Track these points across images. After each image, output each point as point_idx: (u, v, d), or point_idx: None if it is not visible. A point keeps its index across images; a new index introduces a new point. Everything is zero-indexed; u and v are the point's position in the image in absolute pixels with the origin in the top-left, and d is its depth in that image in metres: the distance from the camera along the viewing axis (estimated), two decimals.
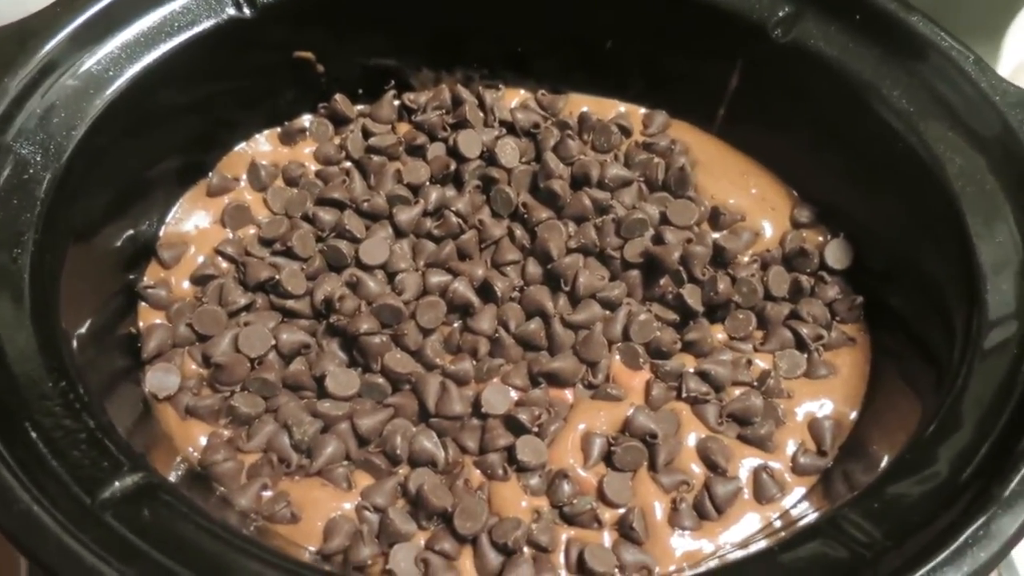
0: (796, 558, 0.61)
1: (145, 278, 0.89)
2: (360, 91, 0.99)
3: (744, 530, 0.77)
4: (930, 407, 0.73)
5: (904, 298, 0.84)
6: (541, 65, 0.98)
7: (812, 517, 0.71)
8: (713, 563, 0.74)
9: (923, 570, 0.56)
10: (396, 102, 0.98)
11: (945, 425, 0.68)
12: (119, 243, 0.86)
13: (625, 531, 0.76)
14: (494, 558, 0.75)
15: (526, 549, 0.75)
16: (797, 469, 0.80)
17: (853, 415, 0.83)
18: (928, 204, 0.80)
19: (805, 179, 0.93)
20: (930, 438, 0.67)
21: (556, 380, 0.84)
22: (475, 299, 0.85)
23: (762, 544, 0.72)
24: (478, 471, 0.80)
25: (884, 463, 0.72)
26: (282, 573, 0.60)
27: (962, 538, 0.57)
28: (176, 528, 0.61)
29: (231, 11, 0.86)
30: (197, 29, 0.84)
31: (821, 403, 0.83)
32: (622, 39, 0.95)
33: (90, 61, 0.79)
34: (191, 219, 0.92)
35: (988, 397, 0.68)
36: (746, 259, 0.90)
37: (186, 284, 0.89)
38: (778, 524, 0.77)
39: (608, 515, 0.77)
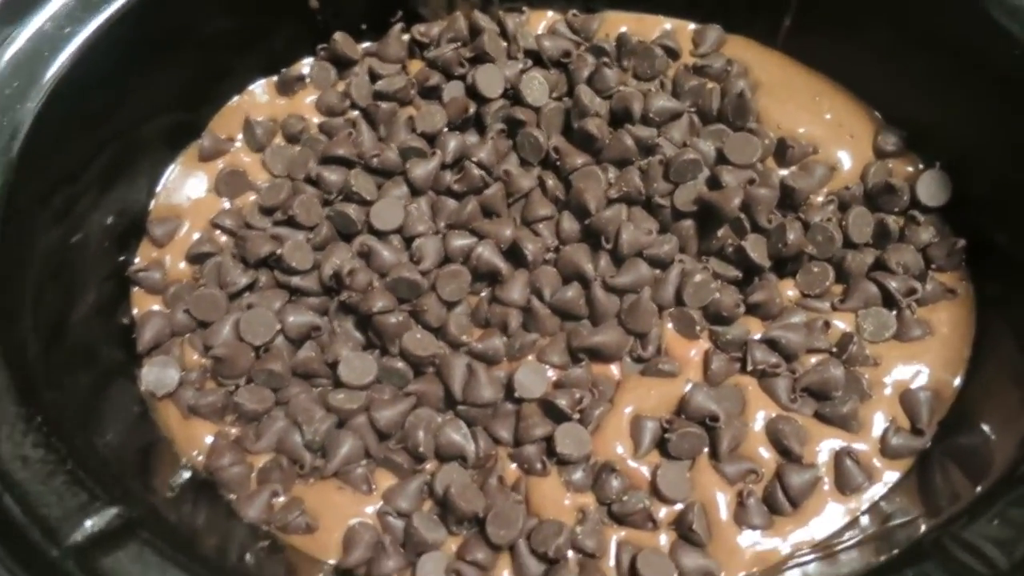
0: None
1: (137, 259, 0.84)
2: (364, 27, 0.91)
3: (825, 527, 0.70)
4: None
5: (1014, 237, 0.74)
6: None
7: (911, 529, 0.61)
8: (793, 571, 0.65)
9: None
10: (405, 36, 0.90)
11: None
12: (105, 221, 0.80)
13: (684, 531, 0.70)
14: (534, 567, 0.69)
15: (570, 555, 0.70)
16: (888, 452, 0.72)
17: (956, 383, 0.74)
18: None
19: (890, 97, 0.83)
20: None
21: (599, 355, 0.77)
22: (503, 265, 0.79)
23: (849, 557, 0.61)
24: (514, 465, 0.74)
25: (999, 450, 0.62)
26: None
27: None
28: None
29: None
30: None
31: (916, 370, 0.75)
32: None
33: (39, 19, 0.71)
34: (183, 189, 0.86)
35: None
36: (820, 200, 0.81)
37: (182, 264, 0.83)
38: (866, 520, 0.69)
39: (664, 513, 0.71)
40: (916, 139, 0.82)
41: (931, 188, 0.79)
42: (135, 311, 0.81)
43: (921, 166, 0.81)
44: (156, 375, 0.77)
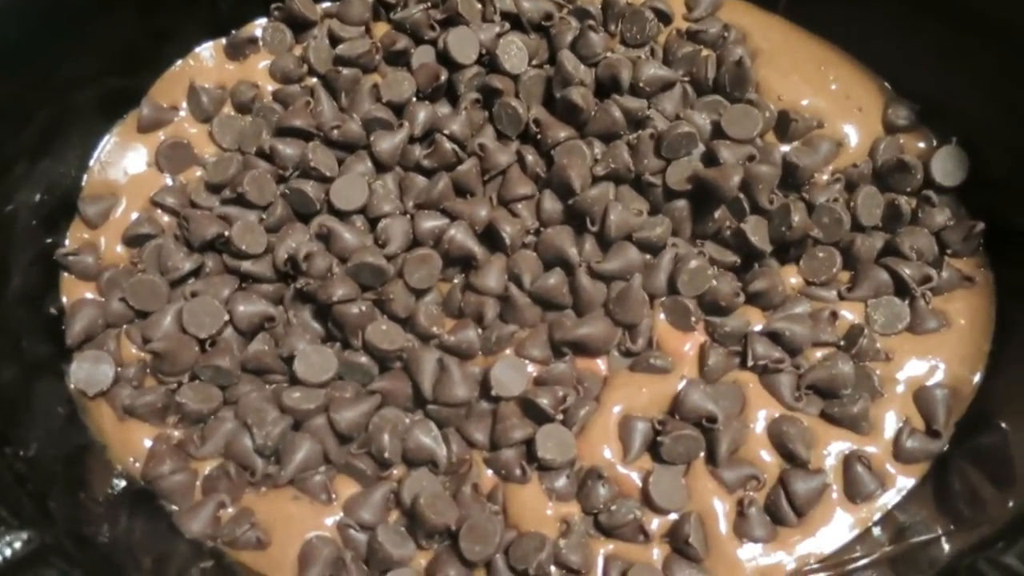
0: None
1: (67, 242, 0.79)
2: None
3: (834, 539, 0.67)
4: None
5: None
6: None
7: (934, 550, 0.58)
8: None
9: None
10: None
11: None
12: (31, 199, 0.76)
13: (679, 545, 0.67)
14: None
15: (553, 571, 0.67)
16: (901, 456, 0.70)
17: (975, 380, 0.72)
18: None
19: (901, 67, 0.81)
20: None
21: (585, 349, 0.74)
22: (478, 249, 0.76)
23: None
24: (490, 471, 0.72)
25: (1022, 454, 0.61)
26: None
27: None
28: None
29: None
30: None
31: (931, 366, 0.73)
32: None
33: None
34: (120, 163, 0.82)
35: None
36: (826, 178, 0.79)
37: (119, 247, 0.80)
38: (878, 531, 0.66)
39: (656, 524, 0.69)
40: (930, 112, 0.80)
41: (947, 166, 0.77)
42: (64, 299, 0.77)
43: (935, 142, 0.79)
44: (87, 371, 0.73)
